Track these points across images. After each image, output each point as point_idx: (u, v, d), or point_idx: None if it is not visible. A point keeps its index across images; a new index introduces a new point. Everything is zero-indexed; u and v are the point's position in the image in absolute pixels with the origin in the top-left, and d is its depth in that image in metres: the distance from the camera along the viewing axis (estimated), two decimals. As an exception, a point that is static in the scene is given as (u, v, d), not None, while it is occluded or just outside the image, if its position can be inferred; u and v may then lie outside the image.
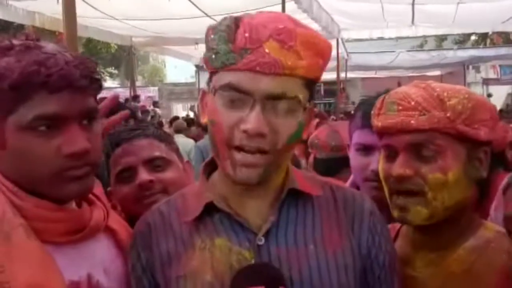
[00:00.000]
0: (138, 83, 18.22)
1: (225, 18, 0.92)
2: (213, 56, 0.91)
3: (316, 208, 0.99)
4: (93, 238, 1.02)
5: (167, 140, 1.45)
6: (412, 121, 1.03)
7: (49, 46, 0.97)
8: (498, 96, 17.21)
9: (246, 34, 0.88)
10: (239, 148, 0.89)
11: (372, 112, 1.12)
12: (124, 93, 15.10)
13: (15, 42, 0.96)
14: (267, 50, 0.87)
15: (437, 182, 1.03)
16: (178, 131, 7.15)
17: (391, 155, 1.07)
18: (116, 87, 20.95)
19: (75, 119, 0.94)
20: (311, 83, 0.93)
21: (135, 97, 12.27)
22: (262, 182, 0.94)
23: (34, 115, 0.91)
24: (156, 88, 22.05)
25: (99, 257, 1.03)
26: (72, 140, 0.93)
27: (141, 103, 13.29)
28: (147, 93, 19.22)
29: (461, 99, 1.04)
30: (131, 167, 1.36)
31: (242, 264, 0.92)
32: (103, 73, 1.12)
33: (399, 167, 1.04)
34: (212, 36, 0.91)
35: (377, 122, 1.09)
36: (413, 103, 1.03)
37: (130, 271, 1.02)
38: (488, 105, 1.09)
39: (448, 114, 1.02)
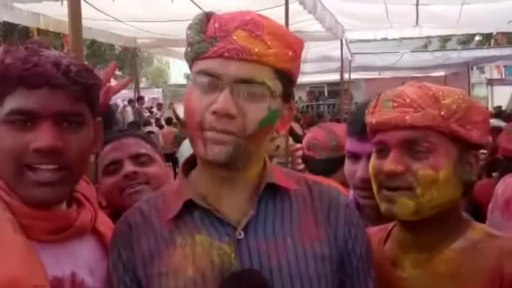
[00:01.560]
0: (142, 85, 18.24)
1: (198, 14, 0.98)
2: (189, 49, 0.97)
3: (293, 201, 1.03)
4: (79, 238, 1.04)
5: (153, 143, 1.59)
6: (407, 117, 1.04)
7: (47, 51, 0.98)
8: (502, 97, 17.16)
9: (216, 25, 0.94)
10: (210, 129, 0.94)
11: (367, 111, 1.13)
12: (128, 95, 15.14)
13: (21, 46, 0.98)
14: (235, 38, 0.93)
15: (427, 179, 1.03)
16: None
17: (383, 151, 1.08)
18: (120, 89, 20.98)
19: (51, 118, 0.94)
20: (284, 77, 0.97)
21: (139, 99, 12.30)
22: (234, 167, 0.97)
23: (10, 108, 0.94)
24: (160, 89, 22.11)
25: (85, 257, 1.04)
26: (41, 137, 0.93)
27: (145, 105, 13.32)
28: (151, 95, 19.27)
29: (455, 98, 1.05)
30: (118, 160, 1.48)
31: (222, 259, 0.96)
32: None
33: (391, 163, 1.05)
34: (188, 32, 0.98)
35: (371, 119, 1.11)
36: (408, 100, 1.05)
37: (111, 270, 1.03)
38: (482, 108, 1.10)
39: (442, 113, 1.03)
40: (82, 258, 1.04)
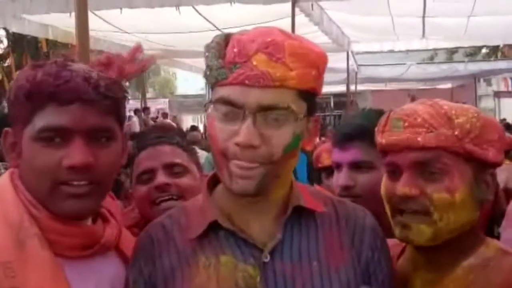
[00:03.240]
0: (148, 95, 18.36)
1: (216, 36, 0.95)
2: (208, 73, 0.94)
3: (319, 224, 1.00)
4: (103, 255, 1.02)
5: (190, 151, 1.52)
6: (419, 138, 1.00)
7: (76, 65, 0.97)
8: (509, 109, 17.07)
9: (235, 49, 0.90)
10: (234, 159, 0.91)
11: (376, 129, 1.09)
12: (134, 105, 15.23)
13: (50, 61, 0.97)
14: (255, 63, 0.89)
15: (443, 203, 0.99)
16: (192, 142, 7.11)
17: (395, 173, 1.04)
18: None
19: (82, 133, 0.94)
20: (308, 95, 0.94)
21: (145, 109, 12.36)
22: (261, 194, 0.94)
23: (41, 126, 0.93)
24: (167, 100, 22.21)
25: (107, 274, 1.03)
26: (74, 154, 0.93)
27: (151, 115, 13.36)
28: (158, 105, 19.33)
29: (469, 117, 1.01)
30: (151, 169, 1.43)
31: (247, 282, 0.93)
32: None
33: (403, 186, 1.01)
34: (206, 54, 0.94)
35: (381, 139, 1.06)
36: (419, 119, 1.01)
37: (132, 284, 1.01)
38: (497, 126, 1.07)
39: (456, 133, 0.99)
40: (104, 274, 1.02)
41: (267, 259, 0.94)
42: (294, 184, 1.01)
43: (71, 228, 0.97)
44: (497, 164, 1.05)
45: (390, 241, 1.15)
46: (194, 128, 9.54)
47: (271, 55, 0.89)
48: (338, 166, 1.43)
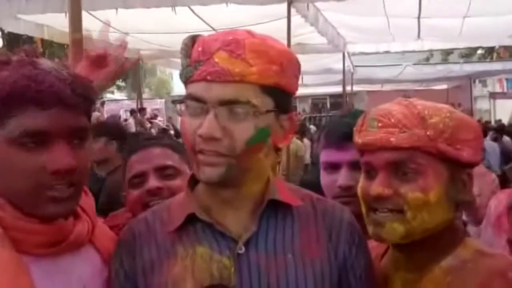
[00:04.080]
0: (145, 95, 18.32)
1: (185, 38, 1.00)
2: (180, 72, 0.99)
3: (296, 218, 1.03)
4: (75, 251, 1.02)
5: (181, 151, 1.50)
6: (392, 139, 1.01)
7: (45, 63, 0.97)
8: (504, 110, 17.15)
9: (199, 48, 0.96)
10: (200, 152, 0.96)
11: (354, 128, 1.11)
12: (130, 105, 15.18)
13: (13, 57, 0.96)
14: (216, 60, 0.94)
15: (417, 203, 1.00)
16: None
17: (371, 173, 1.06)
18: (123, 99, 21.10)
19: (64, 137, 0.94)
20: (273, 90, 0.96)
21: (141, 110, 12.34)
22: (231, 185, 0.98)
23: (21, 130, 0.91)
24: (163, 100, 22.18)
25: (79, 273, 1.02)
26: (58, 158, 0.92)
27: (146, 116, 13.34)
28: (154, 105, 19.31)
29: (442, 117, 1.02)
30: (143, 173, 1.44)
31: (222, 273, 0.97)
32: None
33: (377, 186, 1.02)
34: (180, 55, 1.00)
35: (358, 138, 1.08)
36: (393, 120, 1.02)
37: (113, 276, 1.04)
38: (473, 125, 1.07)
39: (429, 133, 1.00)
40: (76, 275, 1.01)
41: (241, 250, 0.98)
42: (272, 179, 1.04)
43: (38, 226, 0.96)
44: (474, 164, 1.06)
45: (374, 242, 1.16)
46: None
47: (232, 52, 0.93)
48: (336, 166, 1.42)
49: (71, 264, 1.01)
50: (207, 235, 1.00)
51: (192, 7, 6.06)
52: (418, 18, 7.24)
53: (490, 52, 18.76)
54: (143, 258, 1.02)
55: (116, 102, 18.49)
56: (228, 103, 0.94)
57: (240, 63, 0.93)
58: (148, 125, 12.57)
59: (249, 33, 0.97)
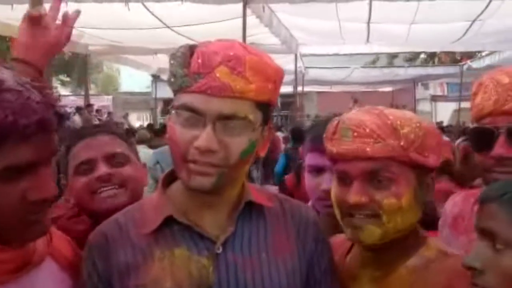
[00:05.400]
0: (91, 92, 17.70)
1: (181, 46, 1.00)
2: (172, 80, 0.99)
3: (268, 218, 1.08)
4: (36, 268, 0.98)
5: (129, 141, 1.50)
6: (368, 149, 1.05)
7: (8, 79, 0.85)
8: (444, 112, 18.00)
9: (199, 60, 0.97)
10: (193, 162, 0.97)
11: (324, 135, 1.14)
12: (76, 102, 14.64)
13: None
14: (217, 75, 0.95)
15: (392, 208, 1.05)
16: (141, 141, 6.93)
17: (345, 180, 1.09)
18: (68, 95, 20.32)
19: (45, 162, 0.89)
20: (264, 106, 1.01)
21: (89, 106, 11.95)
22: (217, 192, 1.01)
23: (5, 165, 0.83)
24: (110, 97, 21.59)
25: (43, 285, 0.99)
26: (42, 186, 0.88)
27: (93, 112, 12.92)
28: (101, 102, 18.74)
29: (413, 127, 1.07)
30: (91, 160, 1.39)
31: (201, 272, 0.99)
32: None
33: (355, 195, 1.06)
34: (171, 62, 1.00)
35: (331, 147, 1.11)
36: (368, 130, 1.06)
37: (86, 279, 1.03)
38: (436, 132, 1.13)
39: (402, 143, 1.05)
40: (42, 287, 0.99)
41: (219, 250, 1.01)
42: (245, 183, 1.09)
43: (5, 254, 0.92)
44: (436, 168, 1.13)
45: (340, 237, 1.22)
46: (147, 126, 9.30)
47: (233, 69, 0.96)
48: (320, 170, 1.45)
49: (35, 280, 0.98)
50: (184, 236, 1.02)
51: (146, 3, 5.94)
52: (368, 23, 7.48)
53: (432, 57, 19.61)
54: (118, 261, 1.02)
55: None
56: (227, 118, 0.96)
57: (241, 80, 0.96)
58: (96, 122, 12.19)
59: (245, 48, 0.99)
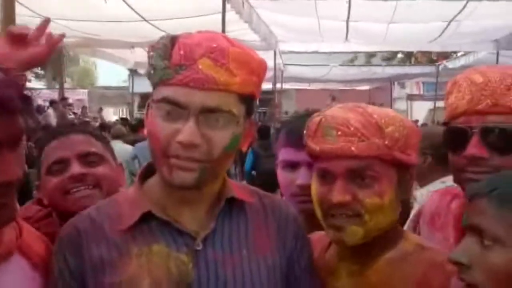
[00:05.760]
0: (66, 85, 17.37)
1: (162, 37, 0.97)
2: (152, 72, 0.96)
3: (248, 214, 1.06)
4: (4, 263, 0.94)
5: (104, 141, 1.46)
6: (353, 148, 1.04)
7: None
8: (420, 111, 18.29)
9: (181, 52, 0.93)
10: (176, 157, 0.94)
11: (305, 132, 1.13)
12: (50, 95, 14.33)
13: None
14: (200, 67, 0.92)
15: (374, 207, 1.05)
16: (117, 136, 6.81)
17: (326, 178, 1.08)
18: (42, 88, 19.90)
19: (8, 144, 0.86)
20: (247, 99, 0.98)
21: (63, 100, 11.70)
22: (198, 187, 0.98)
23: None
24: (86, 91, 21.22)
25: (10, 281, 0.95)
26: (6, 169, 0.85)
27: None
28: (76, 96, 18.40)
29: (397, 126, 1.06)
30: (64, 159, 1.34)
31: (180, 269, 0.96)
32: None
33: (338, 194, 1.05)
34: (151, 53, 0.96)
35: (314, 145, 1.09)
36: (352, 129, 1.04)
37: (57, 275, 0.99)
38: (416, 130, 1.13)
39: (386, 142, 1.04)
40: (8, 284, 0.94)
41: (199, 247, 0.98)
42: (226, 178, 1.06)
43: None
44: (416, 165, 1.13)
45: (318, 233, 1.20)
46: (117, 122, 9.17)
47: (216, 60, 0.92)
48: (294, 165, 1.43)
49: (2, 276, 0.93)
50: (163, 233, 0.98)
51: (124, -4, 5.85)
52: (347, 21, 7.53)
53: (409, 57, 19.90)
54: (92, 256, 0.98)
55: (34, 91, 17.39)
56: (210, 111, 0.93)
57: (224, 72, 0.93)
58: (72, 116, 11.97)
59: (228, 40, 0.96)
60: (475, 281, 0.89)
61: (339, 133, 1.05)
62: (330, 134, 1.06)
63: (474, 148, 1.13)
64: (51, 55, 1.31)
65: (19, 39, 1.25)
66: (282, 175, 1.48)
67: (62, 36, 1.32)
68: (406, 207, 1.61)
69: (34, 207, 1.41)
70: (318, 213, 1.11)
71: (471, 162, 1.14)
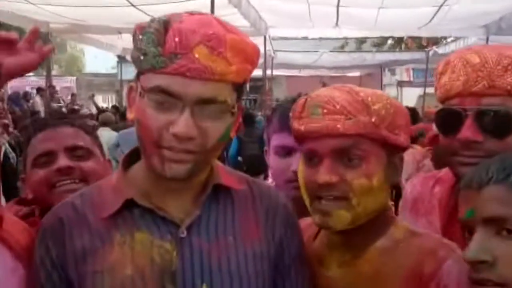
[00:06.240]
0: (54, 72, 17.12)
1: (153, 20, 0.92)
2: (141, 57, 0.92)
3: (236, 201, 1.04)
4: None
5: (93, 134, 1.43)
6: (339, 125, 1.01)
7: None
8: (410, 98, 18.33)
9: (176, 39, 0.89)
10: (169, 148, 0.92)
11: (291, 114, 1.09)
12: (38, 83, 14.13)
13: None
14: (196, 56, 0.89)
15: (362, 188, 1.02)
16: (105, 124, 6.79)
17: (314, 160, 1.05)
18: (29, 75, 19.62)
19: None
20: (239, 85, 0.97)
21: (50, 87, 11.52)
22: (189, 178, 0.96)
23: None
24: (74, 78, 20.95)
25: None
26: None
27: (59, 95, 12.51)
28: (64, 83, 18.18)
29: (384, 104, 1.04)
30: (51, 152, 1.32)
31: (163, 257, 0.94)
32: None
33: (324, 174, 1.02)
34: (140, 36, 0.92)
35: (299, 125, 1.06)
36: (338, 106, 1.02)
37: (38, 264, 0.98)
38: (405, 111, 1.11)
39: (373, 119, 1.02)
40: None
41: (184, 234, 0.96)
42: (214, 164, 1.04)
43: None
44: (406, 148, 1.10)
45: (307, 220, 1.17)
46: (113, 108, 9.07)
47: (213, 49, 0.89)
48: (288, 151, 1.39)
49: None
50: (146, 220, 0.97)
51: (110, -20, 5.72)
52: (337, 6, 7.45)
53: (399, 43, 19.88)
54: (74, 245, 0.96)
55: (20, 78, 17.16)
56: (205, 102, 0.91)
57: (221, 62, 0.90)
58: (60, 104, 11.82)
59: (222, 25, 0.93)
60: (505, 278, 0.80)
61: (325, 111, 1.02)
62: (316, 112, 1.02)
63: (468, 131, 1.09)
64: (40, 63, 1.27)
65: (7, 46, 1.20)
66: (275, 161, 1.44)
67: (52, 48, 1.28)
68: (398, 194, 1.59)
69: (14, 207, 1.38)
70: (305, 197, 1.07)
71: (465, 146, 1.11)
